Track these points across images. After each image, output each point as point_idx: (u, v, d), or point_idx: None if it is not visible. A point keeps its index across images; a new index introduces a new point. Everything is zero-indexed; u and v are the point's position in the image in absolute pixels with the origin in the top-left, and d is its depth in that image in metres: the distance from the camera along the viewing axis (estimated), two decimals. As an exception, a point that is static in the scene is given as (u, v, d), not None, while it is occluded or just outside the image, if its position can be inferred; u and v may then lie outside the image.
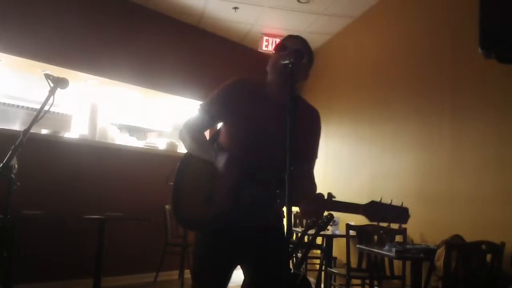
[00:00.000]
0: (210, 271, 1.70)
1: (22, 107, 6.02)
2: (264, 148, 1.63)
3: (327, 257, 4.40)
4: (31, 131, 2.03)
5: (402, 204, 1.52)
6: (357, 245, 3.65)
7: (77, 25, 4.67)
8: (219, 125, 1.84)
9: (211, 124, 1.79)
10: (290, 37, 1.73)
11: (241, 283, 1.79)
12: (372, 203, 1.53)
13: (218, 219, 1.62)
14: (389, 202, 1.53)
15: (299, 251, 4.13)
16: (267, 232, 1.68)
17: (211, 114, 1.74)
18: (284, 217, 1.81)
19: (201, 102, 1.80)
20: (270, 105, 1.70)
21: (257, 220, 1.65)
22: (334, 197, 1.59)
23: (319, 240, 4.62)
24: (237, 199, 1.60)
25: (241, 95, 1.71)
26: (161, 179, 4.90)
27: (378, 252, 3.29)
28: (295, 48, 1.66)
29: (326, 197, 1.56)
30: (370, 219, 1.53)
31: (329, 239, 4.54)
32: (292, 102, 1.42)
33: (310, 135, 1.76)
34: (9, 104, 5.94)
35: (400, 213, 1.52)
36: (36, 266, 3.90)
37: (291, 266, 3.69)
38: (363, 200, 1.59)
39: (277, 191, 1.50)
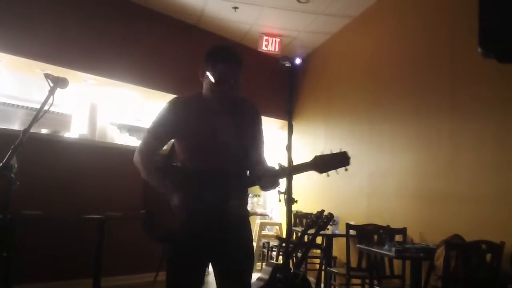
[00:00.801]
0: (182, 272, 1.80)
1: (22, 106, 6.02)
2: (217, 157, 1.75)
3: (327, 257, 4.41)
4: (31, 130, 2.02)
5: (340, 150, 1.68)
6: (357, 245, 3.65)
7: (77, 25, 4.67)
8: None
9: (160, 146, 1.90)
10: (226, 63, 1.75)
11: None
12: (316, 158, 1.68)
13: (186, 225, 1.72)
14: (330, 152, 1.69)
15: (299, 251, 4.14)
16: (231, 230, 1.77)
17: (158, 136, 1.85)
18: (248, 215, 1.94)
19: (148, 127, 1.88)
20: (212, 115, 1.81)
21: (221, 218, 1.73)
22: (284, 166, 1.71)
23: (319, 240, 4.63)
24: (198, 203, 1.71)
25: (183, 111, 1.82)
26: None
27: (377, 252, 3.29)
28: (233, 80, 1.75)
29: (278, 167, 1.70)
30: (319, 171, 1.67)
31: (329, 238, 4.54)
32: (290, 98, 1.46)
33: (254, 126, 1.90)
34: (9, 104, 5.94)
35: (340, 158, 1.67)
36: (36, 266, 3.89)
37: (291, 266, 3.69)
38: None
39: (231, 202, 1.70)
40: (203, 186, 1.72)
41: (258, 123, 1.93)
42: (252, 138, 1.88)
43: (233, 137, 1.77)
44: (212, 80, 1.74)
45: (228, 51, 1.78)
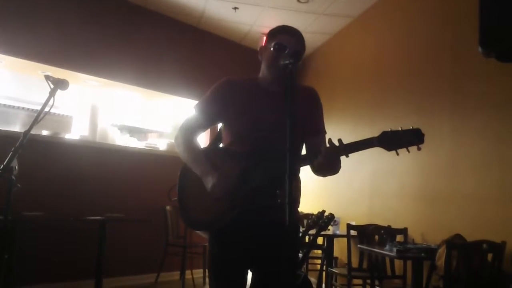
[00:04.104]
0: (223, 270, 1.68)
1: (23, 108, 6.03)
2: (266, 137, 1.63)
3: (328, 257, 4.40)
4: (32, 132, 2.03)
5: (412, 127, 1.52)
6: (358, 245, 3.64)
7: (77, 26, 4.68)
8: (219, 126, 1.85)
9: (207, 125, 1.80)
10: (286, 34, 1.70)
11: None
12: (384, 133, 1.53)
13: (230, 209, 1.60)
14: (399, 128, 1.53)
15: (300, 251, 4.13)
16: (277, 231, 1.40)
17: (207, 114, 1.75)
18: (299, 225, 1.77)
19: (195, 103, 1.79)
20: (264, 96, 1.70)
21: (265, 211, 1.58)
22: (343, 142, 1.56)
23: (320, 240, 4.62)
24: (246, 181, 1.59)
25: (234, 92, 1.72)
26: (162, 180, 4.91)
27: (379, 252, 3.29)
28: (295, 49, 1.64)
29: (338, 144, 1.53)
30: (388, 149, 1.52)
31: (330, 239, 4.53)
32: (291, 102, 1.40)
33: (311, 112, 1.77)
34: (9, 106, 5.95)
35: (414, 134, 1.51)
36: (37, 268, 3.90)
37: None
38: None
39: (277, 191, 1.47)
40: (249, 167, 1.58)
41: (318, 110, 1.80)
42: (310, 123, 1.72)
43: (288, 138, 1.50)
44: (272, 48, 1.64)
45: (291, 27, 1.72)
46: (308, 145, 1.73)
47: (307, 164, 1.60)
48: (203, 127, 1.79)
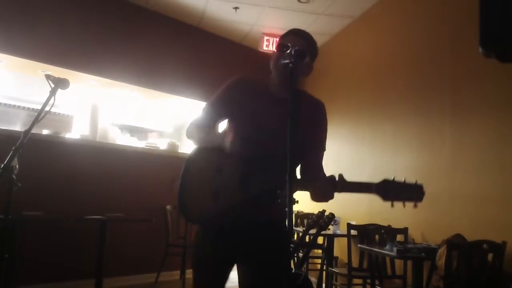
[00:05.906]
0: (208, 270, 1.71)
1: (23, 108, 6.03)
2: (268, 143, 1.63)
3: (328, 257, 4.40)
4: (32, 131, 2.02)
5: (416, 182, 1.47)
6: (358, 245, 3.64)
7: (78, 25, 4.68)
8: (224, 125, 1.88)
9: (217, 121, 1.83)
10: (291, 34, 1.71)
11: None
12: (385, 182, 1.49)
13: (226, 212, 1.62)
14: (402, 180, 1.48)
15: (301, 251, 4.13)
16: (268, 228, 1.59)
17: (216, 112, 1.78)
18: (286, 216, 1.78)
19: (205, 102, 1.83)
20: (272, 101, 1.71)
21: (262, 212, 1.61)
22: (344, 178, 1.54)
23: (320, 240, 4.62)
24: (244, 189, 1.60)
25: (244, 93, 1.74)
26: (162, 179, 4.92)
27: (379, 252, 3.29)
28: (296, 48, 1.64)
29: (337, 178, 1.51)
30: (384, 199, 1.48)
31: (330, 238, 4.53)
32: (292, 101, 1.41)
33: (315, 127, 1.75)
34: (10, 105, 5.95)
35: (414, 191, 1.47)
36: (37, 268, 3.90)
37: (292, 266, 3.69)
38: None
39: (278, 191, 1.49)
40: (248, 171, 1.58)
41: (323, 127, 1.78)
42: (312, 139, 1.72)
43: (289, 138, 1.46)
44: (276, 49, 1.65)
45: (300, 29, 1.73)
46: (305, 158, 1.72)
47: (301, 190, 1.57)
48: (212, 124, 1.82)
